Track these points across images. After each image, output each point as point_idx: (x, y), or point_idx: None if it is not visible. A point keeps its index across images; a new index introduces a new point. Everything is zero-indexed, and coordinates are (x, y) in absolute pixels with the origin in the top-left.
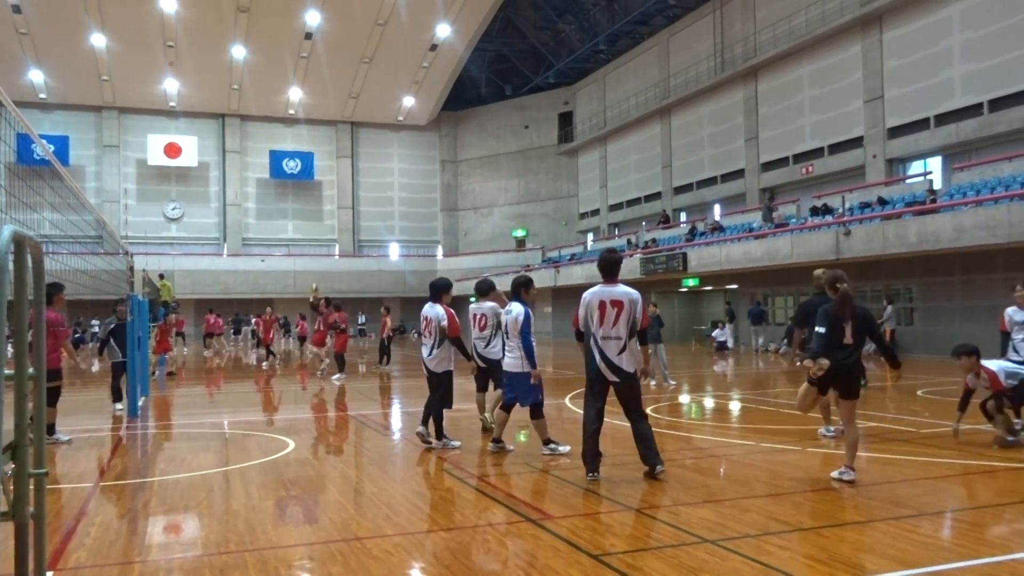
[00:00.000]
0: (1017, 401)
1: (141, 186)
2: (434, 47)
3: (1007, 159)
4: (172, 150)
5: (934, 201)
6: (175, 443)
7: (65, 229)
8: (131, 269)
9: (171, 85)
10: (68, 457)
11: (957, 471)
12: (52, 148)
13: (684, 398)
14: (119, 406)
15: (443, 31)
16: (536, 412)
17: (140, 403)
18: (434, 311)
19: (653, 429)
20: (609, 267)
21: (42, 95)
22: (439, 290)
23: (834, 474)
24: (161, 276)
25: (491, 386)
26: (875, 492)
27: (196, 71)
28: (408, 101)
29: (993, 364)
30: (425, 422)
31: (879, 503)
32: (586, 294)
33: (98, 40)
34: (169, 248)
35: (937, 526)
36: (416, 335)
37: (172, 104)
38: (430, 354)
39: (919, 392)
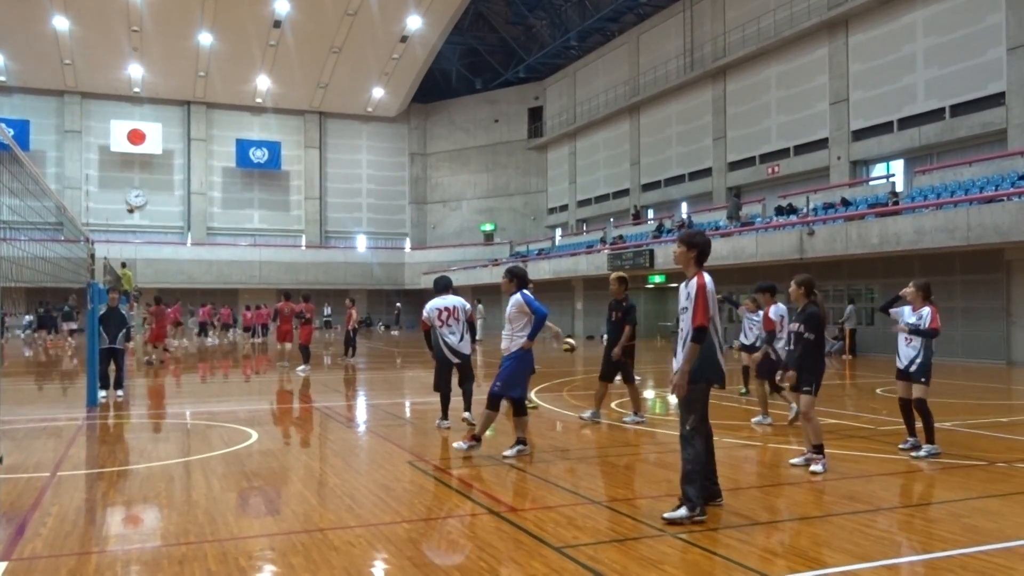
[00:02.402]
0: (762, 373)
1: (103, 173)
2: (404, 39)
3: (967, 163)
4: (136, 136)
5: (896, 203)
6: (135, 433)
7: (24, 215)
8: (92, 257)
9: (135, 70)
10: (24, 446)
11: (912, 468)
12: (12, 132)
13: (649, 393)
14: (103, 393)
15: (414, 23)
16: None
17: (103, 395)
18: (460, 301)
19: (619, 424)
20: (709, 251)
21: (2, 78)
22: (448, 285)
23: (797, 460)
24: (123, 265)
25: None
26: (832, 487)
27: (161, 57)
28: (377, 92)
29: (776, 311)
30: (469, 407)
31: (836, 498)
32: (709, 281)
33: (60, 23)
34: (132, 236)
35: (892, 521)
36: (382, 327)
37: (136, 90)
38: (461, 340)
39: (878, 390)
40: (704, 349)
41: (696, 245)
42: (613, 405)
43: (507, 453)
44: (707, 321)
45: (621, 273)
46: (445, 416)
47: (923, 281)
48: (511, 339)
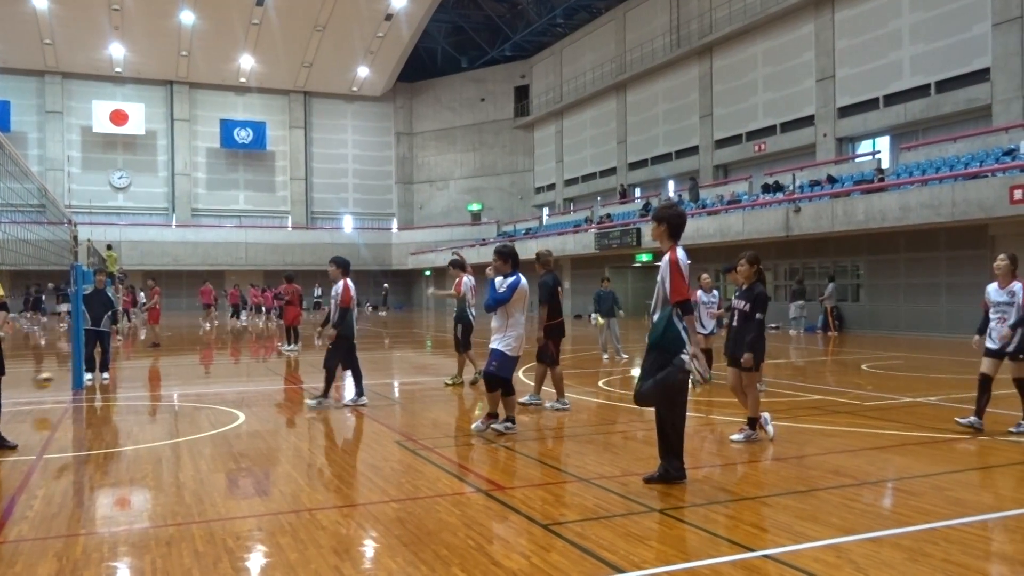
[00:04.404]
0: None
1: (86, 154)
2: (389, 16)
3: (952, 140)
4: (118, 117)
5: (882, 180)
6: (122, 415)
7: (5, 197)
8: (75, 239)
9: (117, 50)
10: (10, 429)
11: (897, 442)
12: None
13: (636, 371)
14: (89, 376)
15: (398, 0)
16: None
17: (89, 378)
18: None
19: (606, 402)
20: (681, 223)
21: None
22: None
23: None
24: (109, 247)
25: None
26: (818, 462)
27: (143, 36)
28: (362, 71)
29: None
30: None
31: (821, 473)
32: (682, 255)
33: (39, 1)
34: (116, 218)
35: (877, 495)
36: (370, 308)
37: (118, 70)
38: None
39: (863, 366)
40: (670, 327)
41: (664, 219)
42: (600, 383)
43: (496, 428)
44: (688, 295)
45: (541, 250)
46: (327, 395)
47: (1011, 253)
48: (503, 332)
